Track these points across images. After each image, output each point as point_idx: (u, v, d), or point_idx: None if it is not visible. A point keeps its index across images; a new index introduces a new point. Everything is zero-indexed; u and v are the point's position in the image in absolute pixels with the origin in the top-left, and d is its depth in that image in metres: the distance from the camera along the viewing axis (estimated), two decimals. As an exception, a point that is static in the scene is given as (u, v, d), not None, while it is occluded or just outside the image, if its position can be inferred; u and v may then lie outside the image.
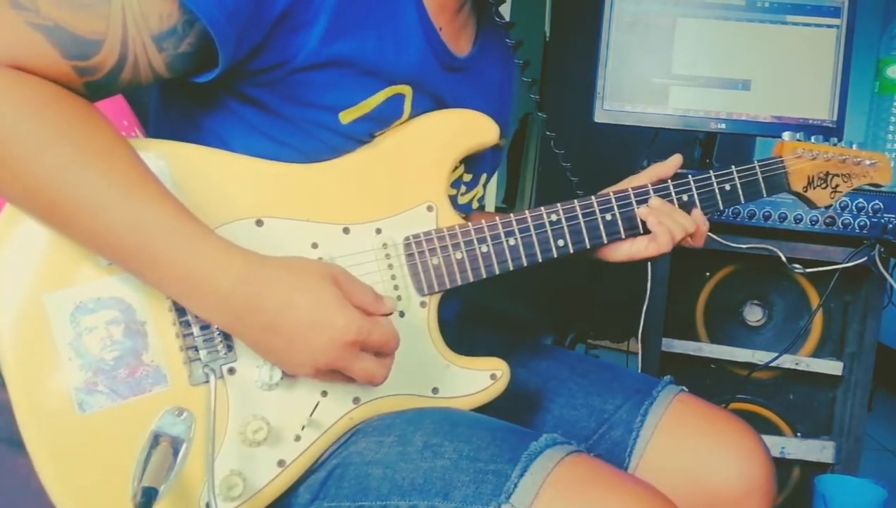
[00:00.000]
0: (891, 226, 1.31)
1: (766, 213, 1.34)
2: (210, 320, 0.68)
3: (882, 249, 1.31)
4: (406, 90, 0.79)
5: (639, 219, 0.85)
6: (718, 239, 1.34)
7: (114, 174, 0.63)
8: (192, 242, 0.64)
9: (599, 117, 1.40)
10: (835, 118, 1.37)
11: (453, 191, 0.87)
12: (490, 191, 1.00)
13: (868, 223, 1.31)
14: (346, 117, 0.76)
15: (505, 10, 0.91)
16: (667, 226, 0.85)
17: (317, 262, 0.69)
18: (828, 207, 0.95)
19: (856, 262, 1.32)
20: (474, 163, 0.89)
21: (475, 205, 0.92)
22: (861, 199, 1.31)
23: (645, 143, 1.52)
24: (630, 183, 0.90)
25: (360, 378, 0.69)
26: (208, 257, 0.64)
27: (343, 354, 0.67)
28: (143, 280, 0.66)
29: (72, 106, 0.64)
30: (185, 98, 0.77)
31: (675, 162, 0.89)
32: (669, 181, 0.87)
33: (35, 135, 0.61)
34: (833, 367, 1.44)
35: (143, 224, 0.63)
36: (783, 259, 1.35)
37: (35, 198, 0.62)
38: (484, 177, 0.93)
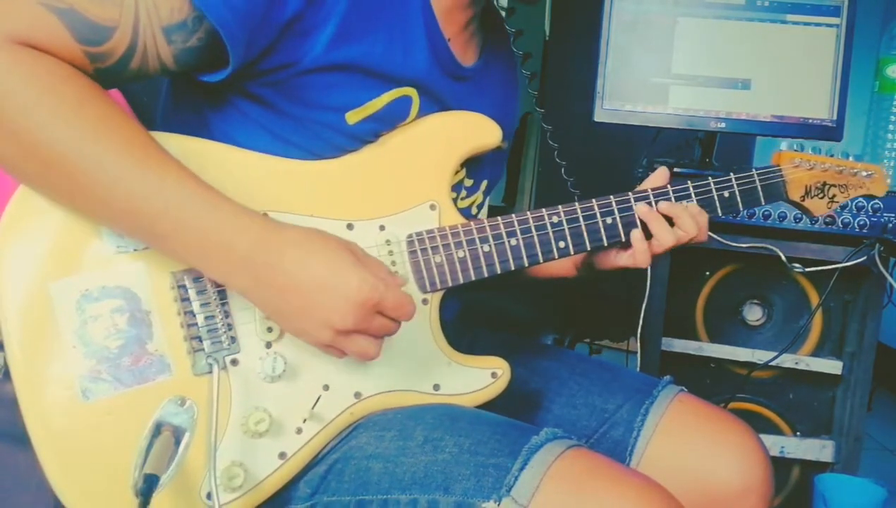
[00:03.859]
0: (891, 225, 1.31)
1: (766, 213, 1.34)
2: (228, 283, 0.69)
3: (882, 248, 1.31)
4: (412, 92, 0.80)
5: (640, 224, 0.85)
6: (718, 238, 1.34)
7: (132, 145, 0.64)
8: (211, 207, 0.65)
9: (599, 116, 1.40)
10: (835, 117, 1.37)
11: (454, 195, 0.88)
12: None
13: (868, 222, 1.31)
14: (352, 118, 0.77)
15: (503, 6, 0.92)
16: (656, 237, 0.84)
17: (331, 233, 0.70)
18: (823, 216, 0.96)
19: (855, 262, 1.32)
20: (476, 168, 0.89)
21: (474, 211, 0.93)
22: (860, 199, 1.31)
23: (645, 143, 1.53)
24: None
25: (378, 334, 0.69)
26: (228, 220, 0.66)
27: (360, 314, 0.67)
28: (161, 248, 0.67)
29: (86, 84, 0.65)
30: (195, 94, 0.78)
31: (661, 174, 0.89)
32: (669, 186, 0.87)
33: (52, 109, 0.62)
34: (833, 367, 1.44)
35: (164, 191, 0.64)
36: (783, 258, 1.35)
37: (53, 172, 0.63)
38: (485, 183, 0.93)
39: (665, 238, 0.84)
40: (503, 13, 0.91)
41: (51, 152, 0.62)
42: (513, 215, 0.82)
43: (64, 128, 0.62)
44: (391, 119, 0.80)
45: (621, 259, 0.88)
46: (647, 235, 0.86)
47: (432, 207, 0.80)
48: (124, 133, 0.65)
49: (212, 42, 0.68)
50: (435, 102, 0.83)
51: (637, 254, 0.85)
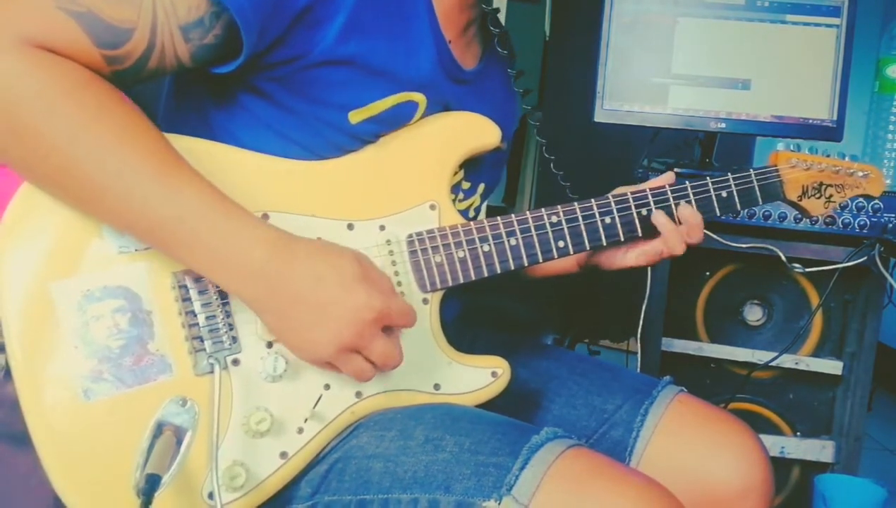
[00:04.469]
0: (891, 225, 1.31)
1: (766, 213, 1.34)
2: (240, 294, 0.68)
3: (882, 249, 1.31)
4: (420, 98, 0.80)
5: (637, 223, 0.86)
6: (718, 238, 1.34)
7: (148, 153, 0.64)
8: (228, 217, 0.66)
9: (599, 117, 1.40)
10: (835, 118, 1.37)
11: (452, 196, 0.88)
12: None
13: (868, 222, 1.31)
14: (354, 117, 0.77)
15: (503, 8, 0.92)
16: (669, 245, 0.86)
17: (340, 244, 0.71)
18: (821, 216, 0.97)
19: (856, 262, 1.32)
20: (474, 170, 0.90)
21: (472, 214, 0.93)
22: (861, 199, 1.31)
23: (645, 143, 1.53)
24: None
25: (378, 359, 0.70)
26: (244, 231, 0.66)
27: (365, 331, 0.68)
28: (174, 255, 0.67)
29: (104, 90, 0.65)
30: (198, 91, 0.78)
31: (666, 178, 0.89)
32: (667, 186, 0.87)
33: (69, 116, 0.62)
34: (833, 367, 1.44)
35: (180, 199, 0.64)
36: (783, 258, 1.35)
37: (68, 177, 0.63)
38: (482, 187, 0.93)
39: (677, 248, 0.86)
40: (493, 14, 0.90)
41: (67, 159, 0.62)
42: (512, 215, 0.82)
43: (81, 135, 0.62)
44: (394, 122, 0.80)
45: (628, 258, 0.89)
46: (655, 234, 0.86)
47: (432, 207, 0.81)
48: (143, 140, 0.65)
49: (227, 36, 0.69)
50: (439, 106, 0.84)
51: (669, 239, 0.86)
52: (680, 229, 0.86)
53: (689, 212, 0.86)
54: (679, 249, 0.86)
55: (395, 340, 0.71)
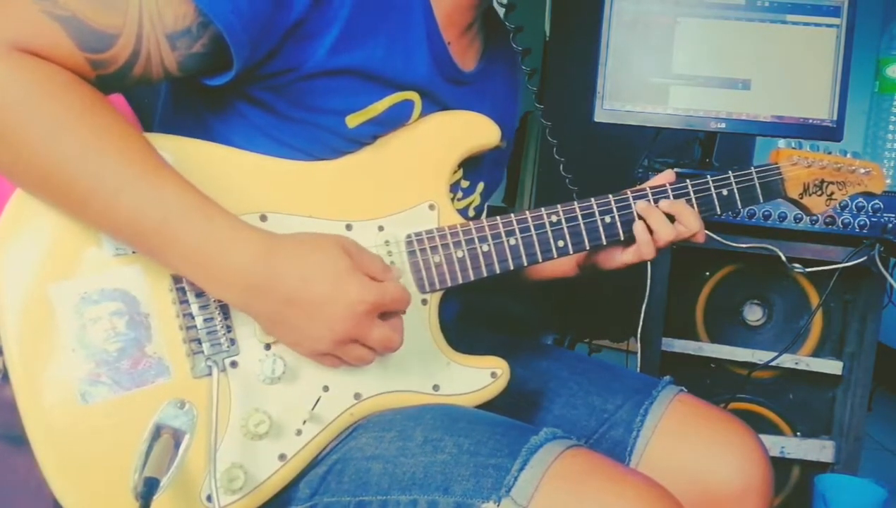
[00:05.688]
0: (891, 225, 1.31)
1: (766, 213, 1.34)
2: (227, 299, 0.69)
3: (882, 249, 1.31)
4: (415, 97, 0.80)
5: (638, 218, 0.85)
6: (718, 238, 1.34)
7: (132, 156, 0.64)
8: (210, 220, 0.65)
9: (599, 117, 1.40)
10: (835, 117, 1.37)
11: (451, 195, 0.88)
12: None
13: (868, 222, 1.31)
14: (352, 121, 0.77)
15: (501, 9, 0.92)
16: (656, 232, 0.85)
17: (328, 234, 0.70)
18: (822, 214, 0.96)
19: (856, 262, 1.32)
20: (473, 169, 0.89)
21: (471, 213, 0.93)
22: (861, 199, 1.31)
23: (645, 143, 1.53)
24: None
25: (378, 345, 0.69)
26: (227, 234, 0.65)
27: (360, 322, 0.67)
28: (159, 260, 0.67)
29: (87, 93, 0.65)
30: (194, 98, 0.78)
31: (666, 176, 0.89)
32: (668, 185, 0.87)
33: (52, 118, 0.62)
34: (833, 367, 1.45)
35: (163, 203, 0.64)
36: (783, 258, 1.35)
37: (52, 180, 0.63)
38: (482, 186, 0.93)
39: (665, 232, 0.84)
40: (502, 10, 0.91)
41: (50, 163, 0.62)
42: (511, 215, 0.82)
43: (64, 138, 0.62)
44: (392, 122, 0.80)
45: (626, 256, 0.88)
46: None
47: (431, 207, 0.80)
48: (125, 142, 0.65)
49: (216, 47, 0.68)
50: (437, 106, 0.83)
51: (642, 247, 0.85)
52: (676, 225, 0.86)
53: (666, 205, 0.85)
54: (667, 233, 0.85)
55: (394, 323, 0.71)
